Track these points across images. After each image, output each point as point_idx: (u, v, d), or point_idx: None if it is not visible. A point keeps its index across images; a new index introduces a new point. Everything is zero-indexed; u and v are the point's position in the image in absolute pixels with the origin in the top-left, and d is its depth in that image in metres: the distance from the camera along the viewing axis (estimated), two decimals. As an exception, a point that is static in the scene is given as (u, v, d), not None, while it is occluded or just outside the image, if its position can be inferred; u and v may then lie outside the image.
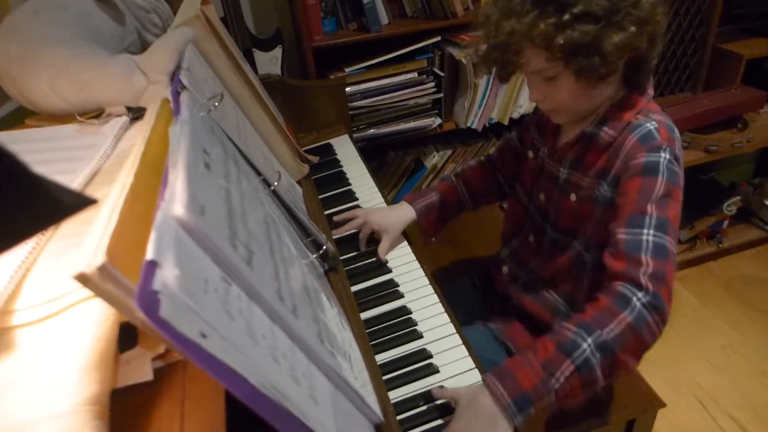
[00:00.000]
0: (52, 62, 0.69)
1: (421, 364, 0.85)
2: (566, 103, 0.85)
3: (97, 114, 0.75)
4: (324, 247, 0.87)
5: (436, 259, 1.41)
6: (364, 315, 0.94)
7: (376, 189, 1.28)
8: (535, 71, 0.83)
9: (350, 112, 1.64)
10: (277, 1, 1.79)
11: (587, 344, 0.71)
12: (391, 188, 1.92)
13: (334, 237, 1.11)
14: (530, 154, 1.05)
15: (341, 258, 1.05)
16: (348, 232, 1.12)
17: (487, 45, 0.85)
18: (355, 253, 1.09)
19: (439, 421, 0.77)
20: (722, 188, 2.19)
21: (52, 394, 0.39)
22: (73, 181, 0.59)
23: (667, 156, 0.79)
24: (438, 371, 0.84)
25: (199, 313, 0.36)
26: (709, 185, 2.20)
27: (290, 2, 1.70)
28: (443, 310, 0.95)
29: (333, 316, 0.71)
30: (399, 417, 0.77)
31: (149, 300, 0.33)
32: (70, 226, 0.54)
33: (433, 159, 1.89)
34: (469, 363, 0.85)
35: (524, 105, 1.81)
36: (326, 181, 1.33)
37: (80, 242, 0.49)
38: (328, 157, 1.42)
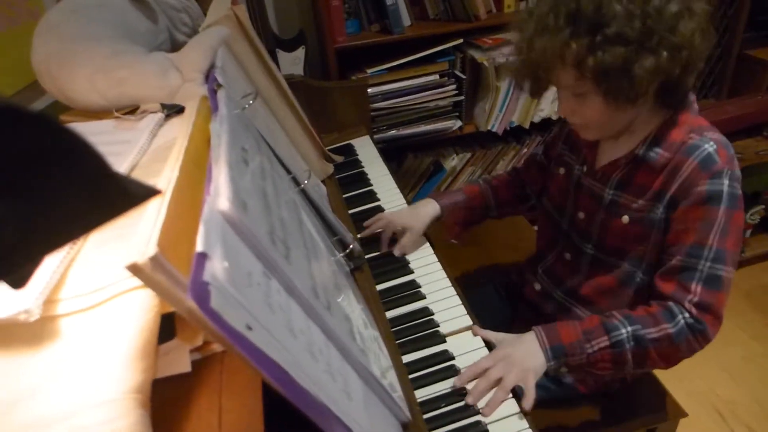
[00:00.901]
0: (91, 59, 0.71)
1: (444, 365, 0.85)
2: (594, 121, 0.84)
3: (131, 110, 0.76)
4: (350, 246, 0.87)
5: (458, 263, 1.41)
6: (387, 315, 0.94)
7: (397, 190, 1.29)
8: (565, 87, 0.83)
9: (371, 114, 1.65)
10: (301, 2, 1.81)
11: (626, 331, 0.81)
12: (410, 190, 1.92)
13: (358, 237, 1.11)
14: (560, 170, 1.03)
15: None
16: (372, 233, 1.12)
17: (519, 61, 0.85)
18: (376, 253, 1.10)
19: (462, 422, 0.77)
20: (745, 197, 2.15)
21: (97, 382, 0.40)
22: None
23: (729, 182, 0.79)
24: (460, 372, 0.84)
25: (245, 305, 0.37)
26: (731, 194, 2.16)
27: (313, 3, 1.72)
28: (465, 312, 0.95)
29: (360, 315, 0.72)
30: (423, 417, 0.77)
31: (201, 291, 0.33)
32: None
33: (453, 162, 1.89)
34: (492, 365, 0.85)
35: (546, 109, 1.80)
36: (348, 182, 1.33)
37: (122, 234, 0.50)
38: (349, 157, 1.43)
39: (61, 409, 0.39)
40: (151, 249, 0.34)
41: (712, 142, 0.80)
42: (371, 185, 1.32)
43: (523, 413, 0.77)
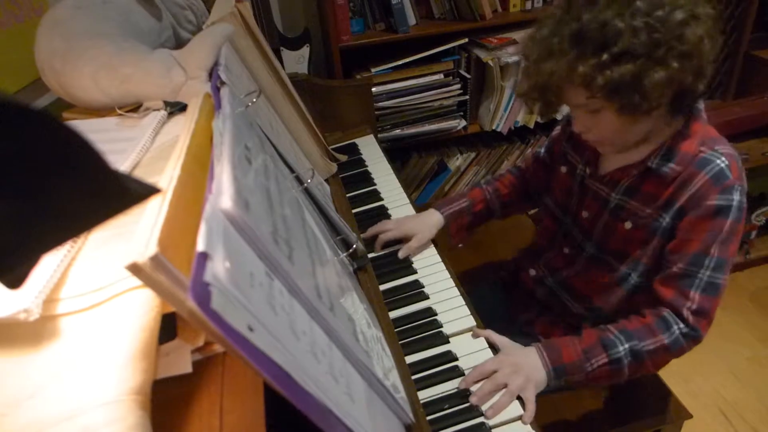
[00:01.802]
0: (95, 56, 0.70)
1: (448, 365, 0.85)
2: (610, 136, 0.84)
3: (134, 108, 0.76)
4: (354, 246, 0.87)
5: (460, 261, 1.40)
6: (391, 315, 0.94)
7: (401, 189, 1.28)
8: (576, 106, 0.82)
9: (376, 113, 1.64)
10: (306, 0, 1.80)
11: (623, 347, 0.83)
12: (414, 189, 1.91)
13: (362, 237, 1.11)
14: (563, 168, 1.03)
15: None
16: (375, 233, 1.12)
17: (528, 84, 0.84)
18: (380, 253, 1.09)
19: (466, 424, 0.76)
20: (751, 198, 2.15)
21: (97, 383, 0.40)
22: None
23: (739, 197, 0.79)
24: (464, 374, 0.83)
25: (246, 306, 0.36)
26: (737, 195, 2.15)
27: (318, 2, 1.71)
28: (469, 312, 0.94)
29: (363, 315, 0.71)
30: (427, 418, 0.76)
31: (201, 291, 0.33)
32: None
33: (457, 161, 1.89)
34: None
35: (550, 109, 1.79)
36: (352, 181, 1.33)
37: (123, 233, 0.50)
38: (353, 156, 1.42)
39: (61, 411, 0.38)
40: (152, 248, 0.34)
41: (724, 158, 0.80)
42: (375, 184, 1.31)
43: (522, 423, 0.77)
